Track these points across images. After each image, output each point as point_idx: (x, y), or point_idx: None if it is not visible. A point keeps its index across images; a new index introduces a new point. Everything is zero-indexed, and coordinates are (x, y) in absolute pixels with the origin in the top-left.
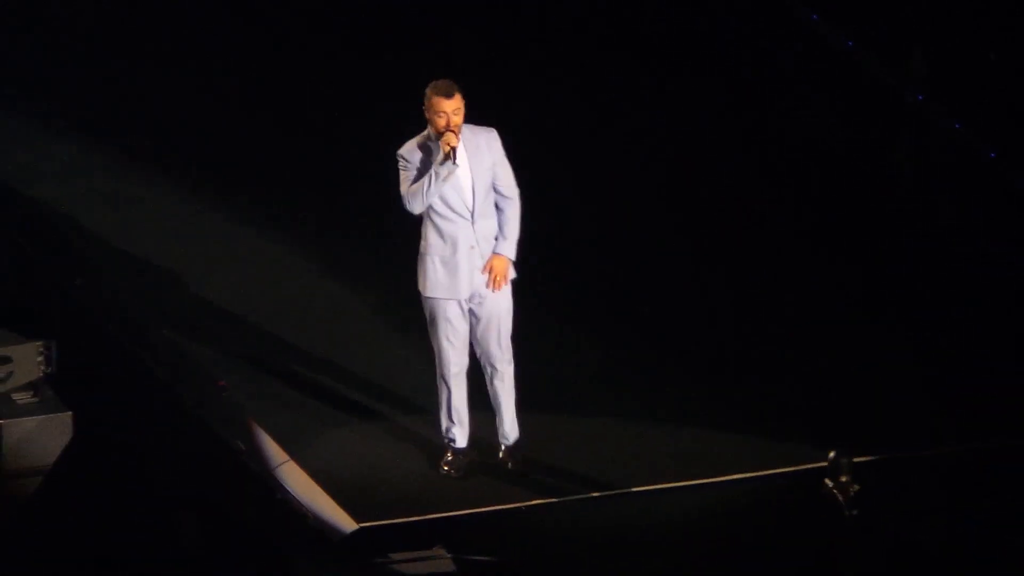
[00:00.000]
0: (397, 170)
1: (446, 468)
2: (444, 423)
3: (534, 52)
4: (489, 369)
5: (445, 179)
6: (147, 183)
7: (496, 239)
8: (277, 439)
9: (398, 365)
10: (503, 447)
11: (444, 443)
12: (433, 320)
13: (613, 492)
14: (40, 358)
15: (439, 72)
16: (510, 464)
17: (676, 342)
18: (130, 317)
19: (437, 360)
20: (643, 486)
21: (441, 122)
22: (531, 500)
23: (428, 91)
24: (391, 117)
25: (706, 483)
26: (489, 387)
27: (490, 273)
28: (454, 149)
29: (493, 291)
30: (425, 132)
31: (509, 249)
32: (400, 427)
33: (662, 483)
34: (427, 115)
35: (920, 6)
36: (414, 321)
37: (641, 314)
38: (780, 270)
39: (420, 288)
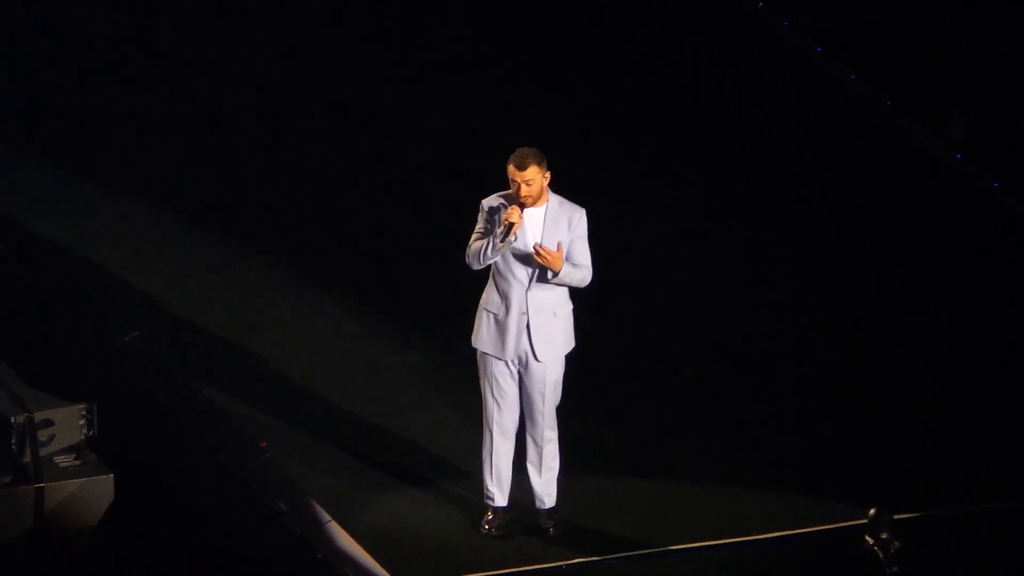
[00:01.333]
0: (441, 233)
1: (486, 527)
2: (485, 480)
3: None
4: (529, 436)
5: (500, 252)
6: (189, 245)
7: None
8: (318, 500)
9: (439, 426)
10: (540, 511)
11: (484, 502)
12: (483, 374)
13: (652, 551)
14: (82, 421)
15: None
16: (551, 529)
17: (712, 401)
18: (172, 378)
19: (484, 414)
20: (682, 544)
21: (514, 188)
22: (571, 559)
23: (510, 158)
24: (443, 177)
25: (745, 541)
26: (527, 449)
27: (542, 249)
28: (511, 225)
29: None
30: (503, 191)
31: (565, 265)
32: (442, 488)
33: (701, 541)
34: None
35: (958, 69)
36: (456, 381)
37: (675, 374)
38: (818, 325)
39: (473, 342)
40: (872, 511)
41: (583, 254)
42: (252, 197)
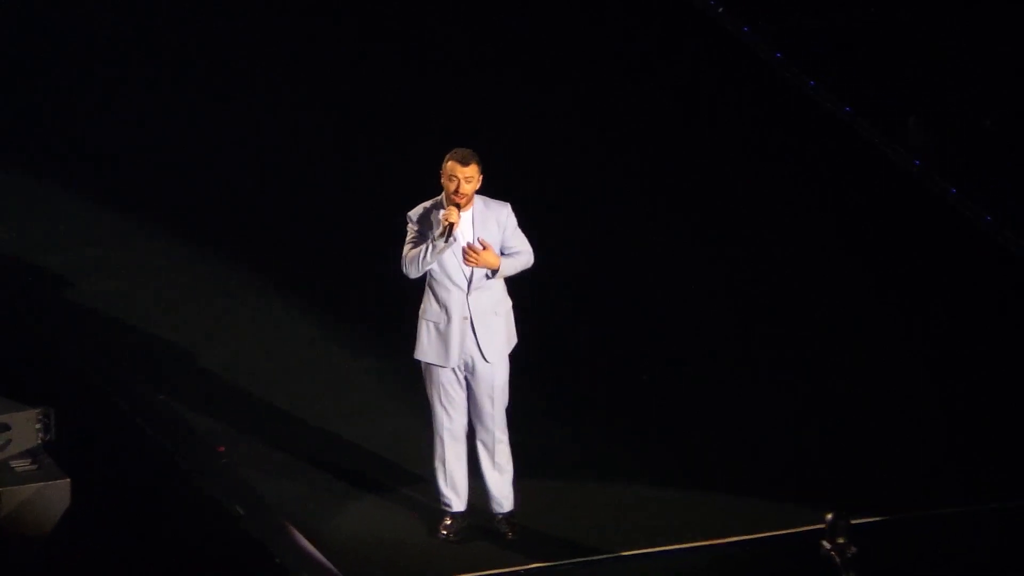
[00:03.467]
0: (398, 237)
1: (444, 532)
2: (440, 486)
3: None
4: (480, 438)
5: (440, 252)
6: (148, 250)
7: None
8: (276, 505)
9: (397, 430)
10: (497, 515)
11: (441, 508)
12: (428, 383)
13: (609, 556)
14: (38, 425)
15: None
16: (509, 533)
17: (668, 406)
18: (129, 383)
19: (432, 421)
20: (638, 549)
21: (452, 186)
22: (528, 564)
23: (447, 156)
24: (394, 184)
25: (702, 546)
26: (479, 456)
27: (470, 249)
28: (452, 225)
29: (466, 265)
30: (438, 197)
31: (502, 260)
32: (401, 493)
33: (657, 547)
34: (442, 179)
35: (916, 75)
36: (414, 385)
37: (633, 380)
38: (776, 330)
39: (419, 357)
40: (829, 515)
41: (522, 242)
42: (210, 200)
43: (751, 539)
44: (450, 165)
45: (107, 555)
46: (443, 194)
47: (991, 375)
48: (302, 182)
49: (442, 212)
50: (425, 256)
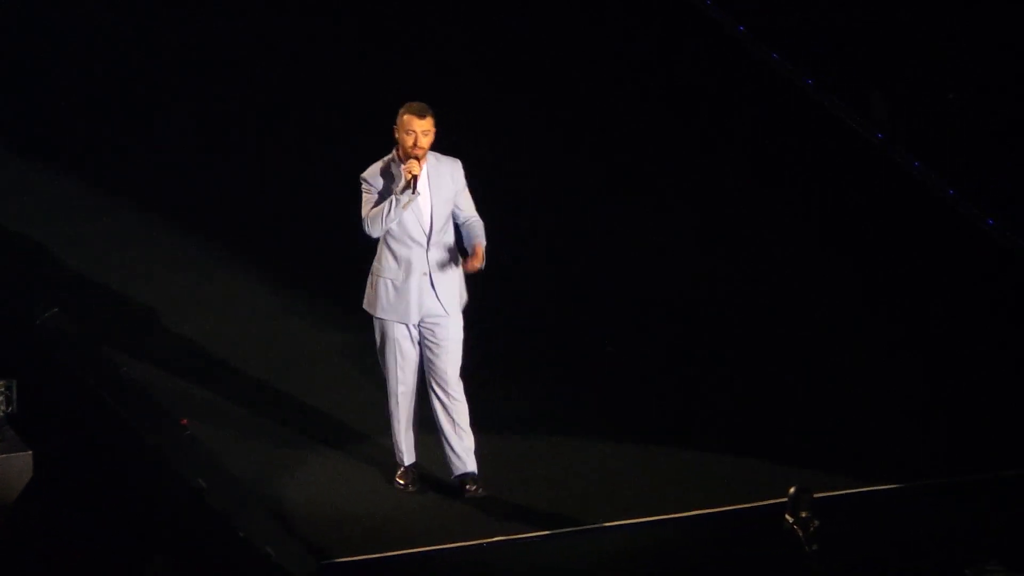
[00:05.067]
0: (356, 199)
1: (401, 483)
2: (396, 440)
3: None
4: (439, 398)
5: (405, 206)
6: (112, 221)
7: (465, 247)
8: (241, 477)
9: (361, 402)
10: (464, 475)
11: (397, 462)
12: (383, 341)
13: (573, 528)
14: (0, 397)
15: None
16: (478, 490)
17: (637, 379)
18: (91, 355)
19: (387, 380)
20: (603, 522)
21: (409, 140)
22: (494, 536)
23: (401, 110)
24: (355, 150)
25: (666, 519)
26: (438, 417)
27: (474, 256)
28: (416, 178)
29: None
30: (389, 156)
31: (478, 241)
32: (366, 463)
33: (622, 519)
34: (397, 134)
35: (879, 48)
36: (377, 358)
37: (601, 352)
38: (738, 301)
39: (368, 308)
40: (792, 489)
41: (470, 204)
42: (176, 175)
43: (715, 512)
44: (407, 119)
45: (69, 527)
46: (395, 151)
47: (957, 350)
48: (266, 155)
49: (403, 166)
50: (389, 213)
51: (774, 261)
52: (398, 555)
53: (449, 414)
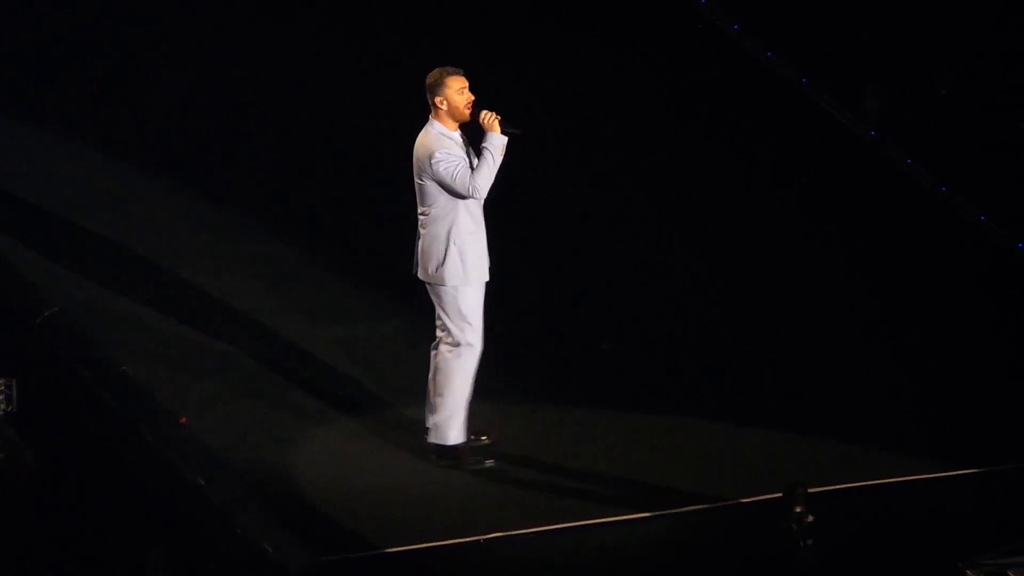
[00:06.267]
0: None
1: (483, 462)
2: (462, 421)
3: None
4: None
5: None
6: (107, 222)
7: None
8: (240, 474)
9: (359, 399)
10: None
11: (467, 442)
12: (464, 305)
13: (568, 525)
14: (0, 396)
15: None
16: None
17: (626, 375)
18: (91, 353)
19: (469, 346)
20: (597, 518)
21: (463, 96)
22: (490, 533)
23: (441, 76)
24: (363, 155)
25: (661, 515)
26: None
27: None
28: (502, 120)
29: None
30: (432, 131)
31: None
32: (367, 459)
33: (617, 515)
34: (443, 97)
35: (872, 45)
36: (374, 354)
37: (592, 354)
38: (731, 302)
39: (450, 279)
40: (787, 485)
41: None
42: (172, 171)
43: (710, 508)
44: (452, 79)
45: (70, 527)
46: (434, 117)
47: (951, 345)
48: (263, 151)
49: (484, 118)
50: (495, 162)
51: (769, 258)
52: (393, 552)
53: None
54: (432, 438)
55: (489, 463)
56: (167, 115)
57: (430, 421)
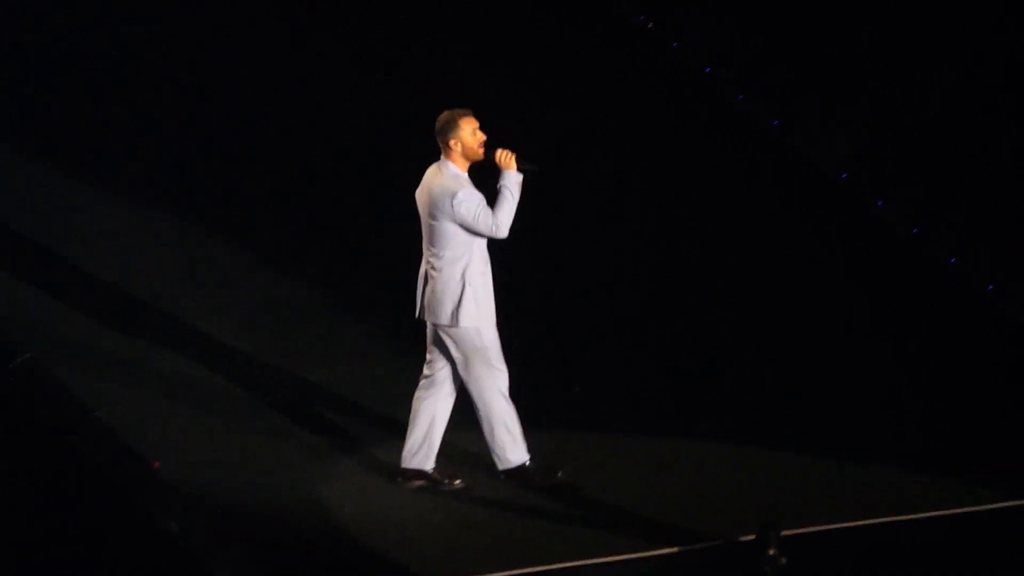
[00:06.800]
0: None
1: (538, 479)
2: (513, 437)
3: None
4: (451, 398)
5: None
6: (75, 271)
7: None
8: (214, 517)
9: (348, 442)
10: (521, 466)
11: (524, 464)
12: (483, 346)
13: (538, 569)
14: None
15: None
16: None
17: (608, 417)
18: (63, 398)
19: (493, 382)
20: (573, 561)
21: (477, 137)
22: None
23: (453, 117)
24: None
25: (636, 558)
26: (441, 416)
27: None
28: (517, 157)
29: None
30: (447, 172)
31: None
32: (356, 506)
33: (591, 558)
34: (456, 138)
35: (844, 87)
36: (367, 395)
37: (566, 394)
38: (701, 343)
39: (470, 321)
40: (761, 526)
41: None
42: (167, 208)
43: (683, 551)
44: (466, 121)
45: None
46: (446, 157)
47: (921, 386)
48: (237, 184)
49: (500, 156)
50: (514, 202)
51: (744, 297)
52: None
53: (449, 409)
54: (500, 465)
55: (560, 475)
56: (160, 153)
57: (494, 456)
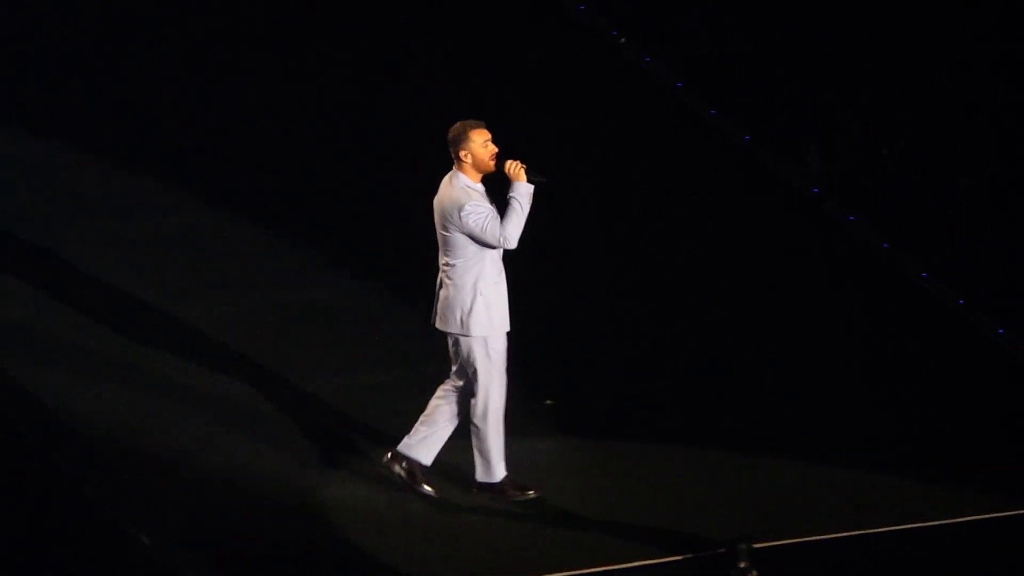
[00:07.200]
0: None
1: (519, 493)
2: (497, 455)
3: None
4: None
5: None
6: (62, 266)
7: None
8: (182, 533)
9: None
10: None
11: (505, 479)
12: (489, 358)
13: None
14: None
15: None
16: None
17: (567, 427)
18: (42, 419)
19: (491, 397)
20: (544, 574)
21: (488, 149)
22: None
23: (464, 129)
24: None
25: (609, 570)
26: (453, 421)
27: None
28: (527, 169)
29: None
30: (458, 184)
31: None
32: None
33: (564, 571)
34: (467, 150)
35: (815, 104)
36: (361, 408)
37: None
38: (671, 363)
39: (480, 331)
40: (732, 540)
41: None
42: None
43: (654, 564)
44: (478, 132)
45: None
46: (458, 168)
47: (892, 400)
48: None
49: (509, 168)
50: (524, 211)
51: (714, 314)
52: None
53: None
54: (481, 477)
55: (532, 493)
56: (166, 155)
57: (477, 464)
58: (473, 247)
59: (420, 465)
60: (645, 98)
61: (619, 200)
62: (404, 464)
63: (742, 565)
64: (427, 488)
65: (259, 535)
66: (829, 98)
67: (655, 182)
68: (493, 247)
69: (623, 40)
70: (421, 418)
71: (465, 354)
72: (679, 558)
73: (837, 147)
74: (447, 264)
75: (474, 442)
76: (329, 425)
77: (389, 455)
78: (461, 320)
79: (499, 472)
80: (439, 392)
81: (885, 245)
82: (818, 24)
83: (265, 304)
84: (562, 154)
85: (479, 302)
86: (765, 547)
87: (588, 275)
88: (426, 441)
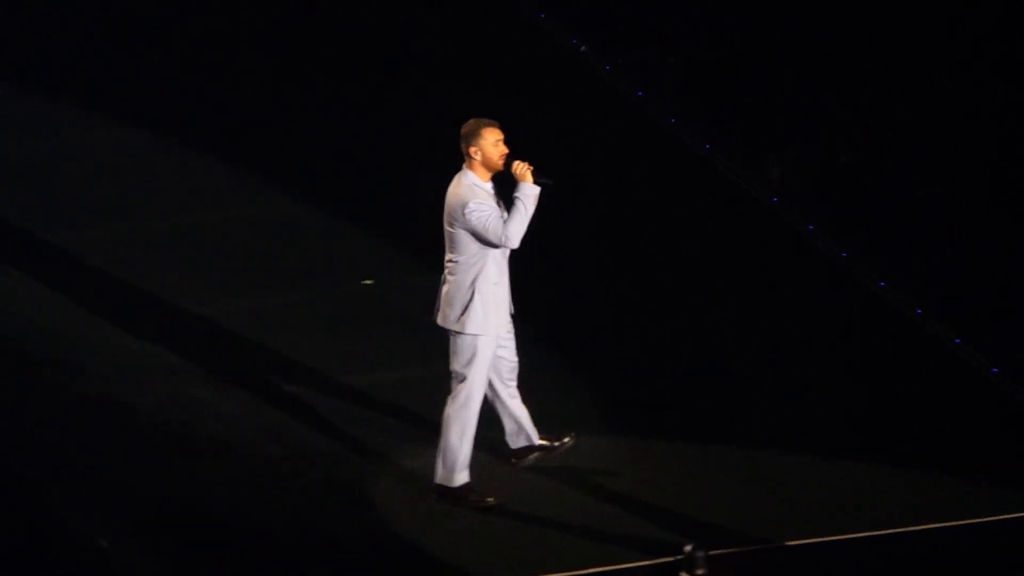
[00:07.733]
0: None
1: (486, 500)
2: (462, 457)
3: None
4: (508, 384)
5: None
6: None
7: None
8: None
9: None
10: (536, 443)
11: (463, 484)
12: (476, 357)
13: None
14: None
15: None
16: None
17: (579, 426)
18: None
19: (472, 396)
20: (542, 574)
21: (499, 148)
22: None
23: (476, 127)
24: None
25: (609, 571)
26: (513, 402)
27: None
28: (534, 171)
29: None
30: (465, 181)
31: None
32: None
33: (563, 571)
34: (477, 147)
35: (774, 113)
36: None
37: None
38: (677, 363)
39: (476, 329)
40: (687, 547)
41: None
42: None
43: (609, 570)
44: (490, 131)
45: None
46: (467, 167)
47: (851, 407)
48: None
49: (516, 169)
50: (528, 211)
51: (714, 314)
52: None
53: (518, 393)
54: (441, 480)
55: (491, 500)
56: (176, 155)
57: (437, 465)
58: (476, 245)
59: (534, 446)
60: (605, 106)
61: (619, 200)
62: (529, 452)
63: (699, 572)
64: (565, 441)
65: (259, 536)
66: (788, 107)
67: (655, 182)
68: (495, 246)
69: (583, 48)
70: (499, 415)
71: (456, 350)
72: (633, 565)
73: (795, 156)
74: (450, 260)
75: (440, 442)
76: (340, 422)
77: (513, 458)
78: (458, 317)
79: (461, 479)
80: (487, 394)
81: (843, 254)
82: (784, 30)
83: (319, 297)
84: (562, 154)
85: (476, 300)
86: (722, 554)
87: (588, 275)
88: (520, 429)
